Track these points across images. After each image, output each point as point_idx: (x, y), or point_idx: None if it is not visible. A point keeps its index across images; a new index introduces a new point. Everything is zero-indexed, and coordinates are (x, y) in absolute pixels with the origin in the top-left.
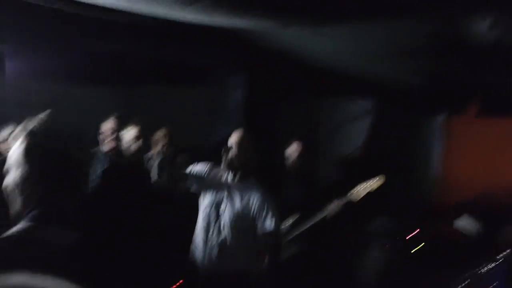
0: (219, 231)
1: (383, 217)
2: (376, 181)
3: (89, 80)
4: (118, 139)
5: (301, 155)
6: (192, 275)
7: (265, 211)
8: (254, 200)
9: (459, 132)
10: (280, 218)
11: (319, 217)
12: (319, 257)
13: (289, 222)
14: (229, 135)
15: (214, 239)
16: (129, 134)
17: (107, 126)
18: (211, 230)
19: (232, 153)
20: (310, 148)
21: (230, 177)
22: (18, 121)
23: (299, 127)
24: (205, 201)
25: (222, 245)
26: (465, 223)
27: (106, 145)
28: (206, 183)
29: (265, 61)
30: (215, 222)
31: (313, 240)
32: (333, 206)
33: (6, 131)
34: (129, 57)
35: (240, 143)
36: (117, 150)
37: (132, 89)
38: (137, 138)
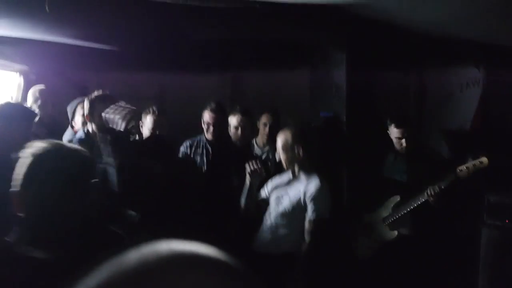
0: (273, 218)
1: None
2: (482, 161)
3: (194, 68)
4: (218, 127)
5: (402, 136)
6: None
7: (313, 201)
8: (307, 191)
9: None
10: (328, 209)
11: (419, 201)
12: (423, 241)
13: (391, 203)
14: (334, 113)
15: (267, 225)
16: (232, 121)
17: (206, 114)
18: (267, 217)
19: (281, 155)
20: (411, 126)
21: (290, 175)
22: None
23: (404, 99)
24: (271, 198)
25: (273, 230)
26: None
27: (207, 134)
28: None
29: (367, 35)
30: (272, 211)
31: (417, 223)
32: (437, 187)
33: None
34: (231, 42)
35: (285, 145)
36: (217, 138)
37: (235, 74)
38: (237, 127)
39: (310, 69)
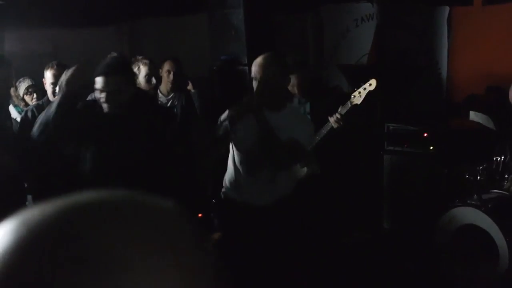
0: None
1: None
2: (371, 83)
3: (92, 21)
4: None
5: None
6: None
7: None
8: (297, 127)
9: (466, 23)
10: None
11: (326, 129)
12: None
13: None
14: (235, 56)
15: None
16: (141, 72)
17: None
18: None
19: (259, 83)
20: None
21: (265, 109)
22: (30, 72)
23: (302, 37)
24: (243, 141)
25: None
26: (475, 117)
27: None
28: (239, 125)
29: None
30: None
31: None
32: (339, 113)
33: (24, 84)
34: None
35: (266, 70)
36: None
37: (134, 24)
38: (149, 75)
39: (208, 13)
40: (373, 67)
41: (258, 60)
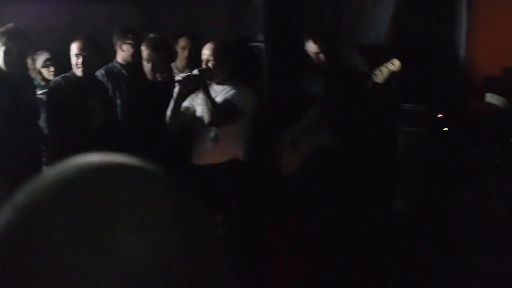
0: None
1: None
2: (394, 63)
3: None
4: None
5: (320, 51)
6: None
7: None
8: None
9: (486, 3)
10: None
11: (347, 102)
12: (349, 152)
13: (312, 114)
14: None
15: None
16: (143, 53)
17: (122, 40)
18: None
19: (209, 65)
20: (328, 41)
21: (214, 86)
22: (48, 46)
23: (321, 15)
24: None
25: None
26: (492, 99)
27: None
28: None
29: None
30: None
31: (338, 133)
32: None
33: (42, 57)
34: None
35: (215, 54)
36: (135, 63)
37: None
38: (147, 60)
39: None
40: (390, 47)
41: (208, 44)
